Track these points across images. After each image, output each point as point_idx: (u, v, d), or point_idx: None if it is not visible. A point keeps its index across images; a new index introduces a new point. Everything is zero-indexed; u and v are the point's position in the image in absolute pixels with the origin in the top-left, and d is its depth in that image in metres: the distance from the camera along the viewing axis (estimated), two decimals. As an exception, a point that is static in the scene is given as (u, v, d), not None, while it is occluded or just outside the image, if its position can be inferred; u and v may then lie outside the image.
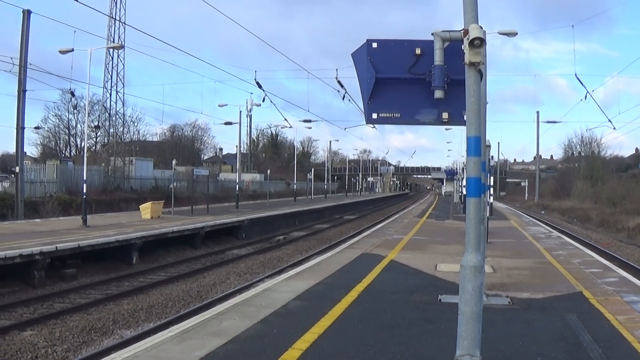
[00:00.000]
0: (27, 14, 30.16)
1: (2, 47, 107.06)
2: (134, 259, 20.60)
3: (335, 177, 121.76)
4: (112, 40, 49.83)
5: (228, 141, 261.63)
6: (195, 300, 15.09)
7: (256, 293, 11.15)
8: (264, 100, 40.56)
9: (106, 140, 55.58)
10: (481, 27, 5.71)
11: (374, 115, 7.23)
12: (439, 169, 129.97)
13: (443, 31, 6.58)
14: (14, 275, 16.10)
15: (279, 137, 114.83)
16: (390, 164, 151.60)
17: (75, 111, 62.48)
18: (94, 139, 57.00)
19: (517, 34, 27.81)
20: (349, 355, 7.11)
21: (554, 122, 65.96)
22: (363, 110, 7.38)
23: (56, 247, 17.11)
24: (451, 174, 75.83)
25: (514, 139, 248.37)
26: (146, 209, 29.94)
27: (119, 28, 51.54)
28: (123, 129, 57.08)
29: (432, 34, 6.66)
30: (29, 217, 29.93)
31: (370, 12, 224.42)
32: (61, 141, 68.43)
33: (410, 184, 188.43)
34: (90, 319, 12.95)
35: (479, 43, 5.65)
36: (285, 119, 64.50)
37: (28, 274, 16.24)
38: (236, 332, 8.06)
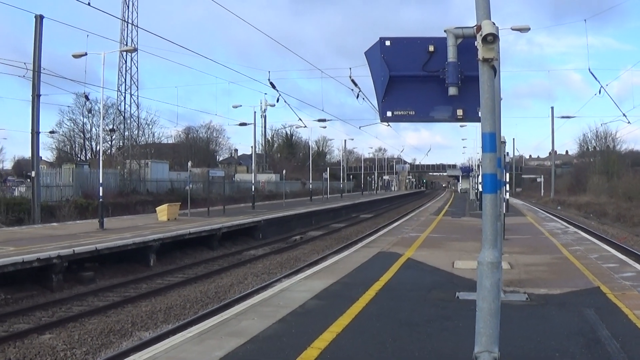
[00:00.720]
0: (39, 19, 30.35)
1: (16, 52, 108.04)
2: (151, 261, 20.69)
3: (351, 176, 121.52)
4: (125, 43, 50.03)
5: (243, 142, 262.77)
6: (213, 301, 15.14)
7: (274, 293, 11.18)
8: (278, 101, 40.61)
9: (121, 144, 55.88)
10: (494, 23, 5.69)
11: (389, 113, 7.24)
12: (454, 166, 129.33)
13: (456, 28, 6.57)
14: (32, 279, 16.23)
15: (293, 137, 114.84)
16: (405, 162, 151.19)
17: (89, 115, 63.27)
18: (109, 142, 57.42)
19: (529, 29, 27.53)
20: (367, 354, 7.12)
21: (569, 117, 65.76)
22: (377, 108, 7.39)
23: (74, 250, 17.23)
24: (467, 171, 75.72)
25: (529, 135, 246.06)
26: (163, 211, 30.06)
27: (131, 31, 51.75)
28: (138, 132, 57.39)
29: (444, 31, 6.65)
30: (46, 221, 30.13)
31: (383, 10, 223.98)
32: (76, 145, 69.12)
33: (426, 181, 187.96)
34: (108, 321, 13.04)
35: (491, 39, 5.63)
36: (300, 119, 64.60)
37: (46, 278, 16.35)
38: (255, 332, 8.08)
